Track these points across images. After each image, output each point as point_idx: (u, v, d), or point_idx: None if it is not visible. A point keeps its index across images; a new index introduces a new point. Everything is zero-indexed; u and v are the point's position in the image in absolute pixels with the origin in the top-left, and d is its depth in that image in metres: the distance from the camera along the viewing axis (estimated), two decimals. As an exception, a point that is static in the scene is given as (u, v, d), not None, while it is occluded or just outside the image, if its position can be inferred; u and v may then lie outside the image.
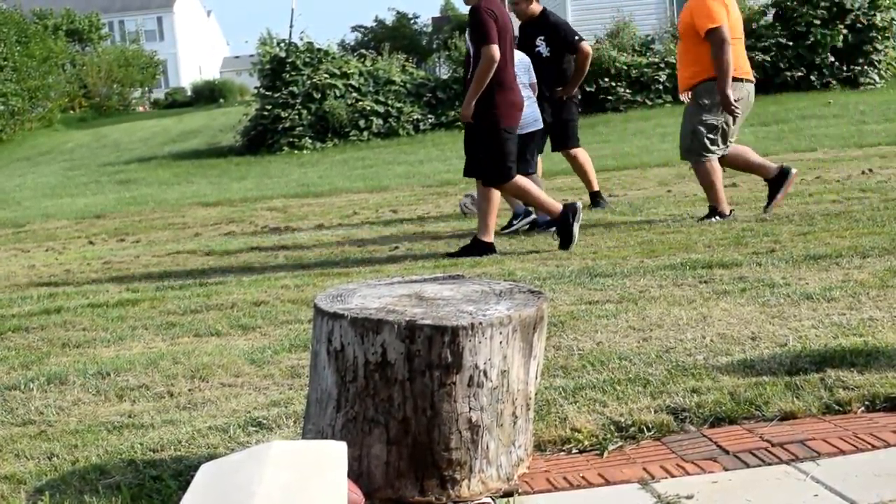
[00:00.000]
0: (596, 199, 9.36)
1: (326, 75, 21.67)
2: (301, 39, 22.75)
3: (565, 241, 7.02)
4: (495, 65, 6.87)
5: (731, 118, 7.56)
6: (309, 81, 21.65)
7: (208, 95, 52.64)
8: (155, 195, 15.65)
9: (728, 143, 7.72)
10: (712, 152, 7.64)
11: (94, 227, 11.49)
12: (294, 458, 2.46)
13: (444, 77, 24.59)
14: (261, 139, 22.02)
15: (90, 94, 42.58)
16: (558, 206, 7.07)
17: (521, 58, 8.16)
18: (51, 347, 5.36)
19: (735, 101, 7.47)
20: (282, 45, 22.99)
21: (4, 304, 6.80)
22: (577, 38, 9.15)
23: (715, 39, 7.43)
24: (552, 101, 9.04)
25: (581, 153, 9.32)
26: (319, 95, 21.52)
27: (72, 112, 40.33)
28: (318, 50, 22.55)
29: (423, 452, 2.87)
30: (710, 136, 7.62)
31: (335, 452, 2.53)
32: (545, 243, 7.38)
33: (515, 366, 2.96)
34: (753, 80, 7.98)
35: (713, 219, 7.66)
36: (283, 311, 5.78)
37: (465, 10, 8.04)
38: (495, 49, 6.85)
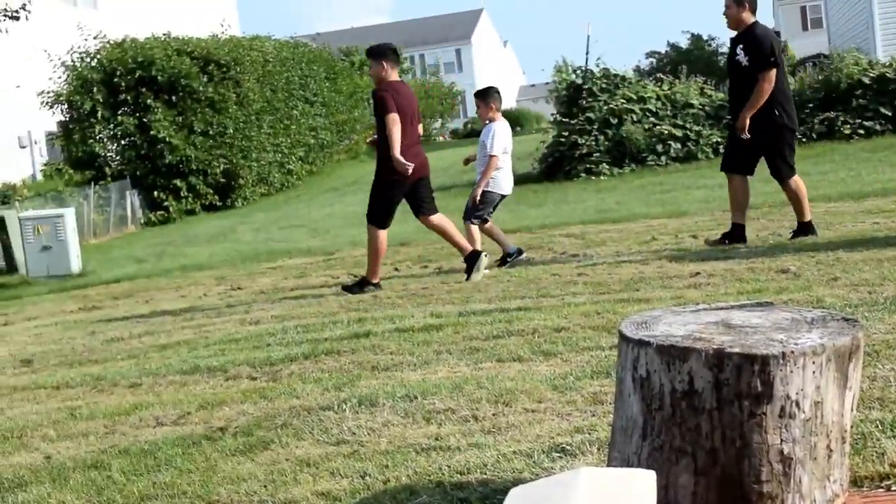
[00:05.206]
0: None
1: (623, 101, 21.57)
2: (597, 66, 22.76)
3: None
4: None
5: None
6: (606, 107, 21.61)
7: (506, 124, 53.42)
8: (455, 224, 16.00)
9: None
10: None
11: (399, 255, 11.88)
12: (603, 486, 2.45)
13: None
14: (558, 166, 22.13)
15: (395, 126, 44.17)
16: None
17: None
18: (361, 370, 5.59)
19: None
20: (578, 71, 23.07)
21: (318, 328, 7.14)
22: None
23: None
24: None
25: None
26: (616, 121, 21.42)
27: (377, 144, 41.95)
28: (615, 75, 22.49)
29: (731, 484, 2.80)
30: None
31: (644, 481, 2.50)
32: (854, 269, 7.04)
33: (830, 397, 2.84)
34: None
35: None
36: (583, 337, 5.78)
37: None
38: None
